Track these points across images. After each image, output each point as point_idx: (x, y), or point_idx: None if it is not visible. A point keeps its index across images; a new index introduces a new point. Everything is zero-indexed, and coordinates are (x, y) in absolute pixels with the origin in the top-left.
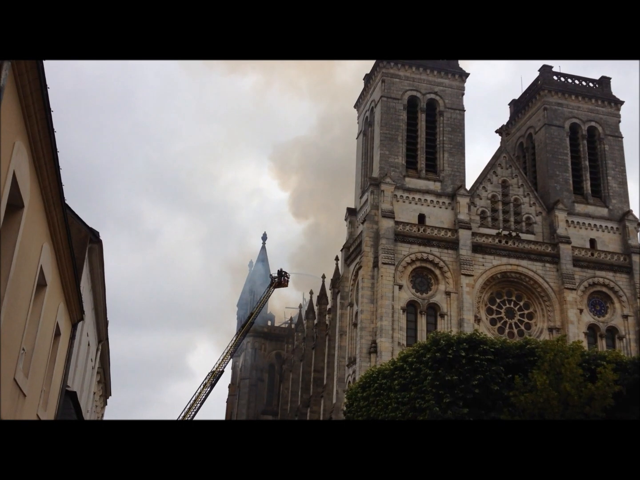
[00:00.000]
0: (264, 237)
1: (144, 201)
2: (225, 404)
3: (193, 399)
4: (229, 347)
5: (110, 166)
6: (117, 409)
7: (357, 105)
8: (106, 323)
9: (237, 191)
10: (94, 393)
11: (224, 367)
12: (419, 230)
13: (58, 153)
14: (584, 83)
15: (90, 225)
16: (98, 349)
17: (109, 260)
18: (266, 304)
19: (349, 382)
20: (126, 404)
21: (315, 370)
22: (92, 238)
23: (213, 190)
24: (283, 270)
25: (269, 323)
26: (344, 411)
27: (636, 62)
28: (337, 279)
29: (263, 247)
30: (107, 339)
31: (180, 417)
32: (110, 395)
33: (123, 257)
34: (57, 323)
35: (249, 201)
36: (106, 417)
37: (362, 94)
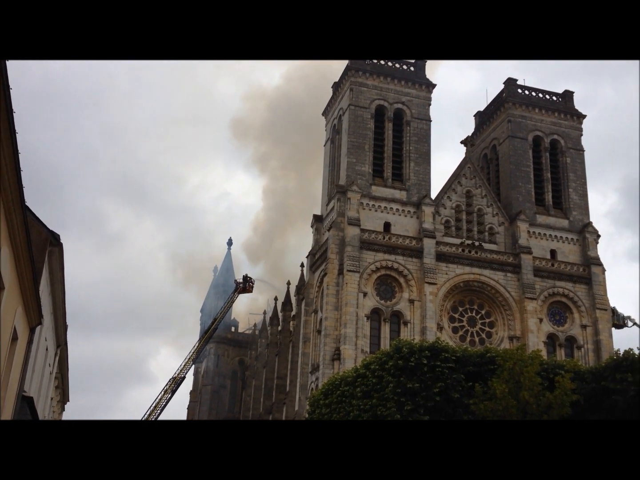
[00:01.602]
0: (230, 243)
1: (110, 203)
2: (187, 410)
3: (153, 405)
4: (191, 353)
5: (76, 167)
6: (75, 415)
7: (325, 113)
8: (65, 327)
9: (204, 195)
10: (52, 398)
11: (186, 373)
12: (384, 238)
13: (20, 154)
14: (547, 96)
15: (52, 227)
16: (56, 354)
17: (71, 264)
18: (230, 309)
19: (312, 389)
20: (85, 410)
21: (278, 377)
22: (53, 241)
23: (180, 194)
24: (248, 276)
25: (233, 329)
26: (306, 418)
27: (598, 76)
28: (302, 286)
29: (228, 253)
30: (66, 343)
31: None
32: (69, 400)
33: (86, 260)
34: (15, 327)
35: (216, 205)
36: None
37: (330, 101)
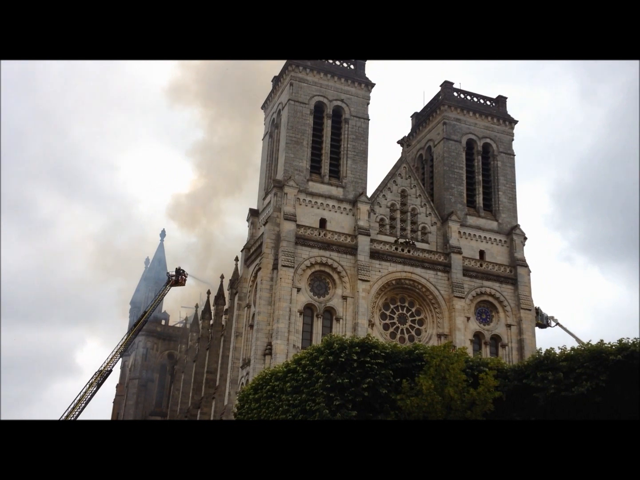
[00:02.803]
0: (163, 234)
1: (39, 189)
2: (112, 404)
3: (78, 398)
4: (119, 346)
5: (4, 151)
6: None
7: (264, 107)
8: None
9: (138, 184)
10: None
11: (113, 366)
12: (319, 234)
13: None
14: (481, 101)
15: None
16: None
17: None
18: (161, 302)
19: (242, 383)
20: (6, 402)
21: (208, 372)
22: None
23: (113, 181)
24: (181, 268)
25: (163, 322)
26: (235, 413)
27: (534, 81)
28: (235, 280)
29: (161, 244)
30: None
31: (63, 417)
32: None
33: (12, 246)
34: None
35: (150, 195)
36: None
37: (269, 95)
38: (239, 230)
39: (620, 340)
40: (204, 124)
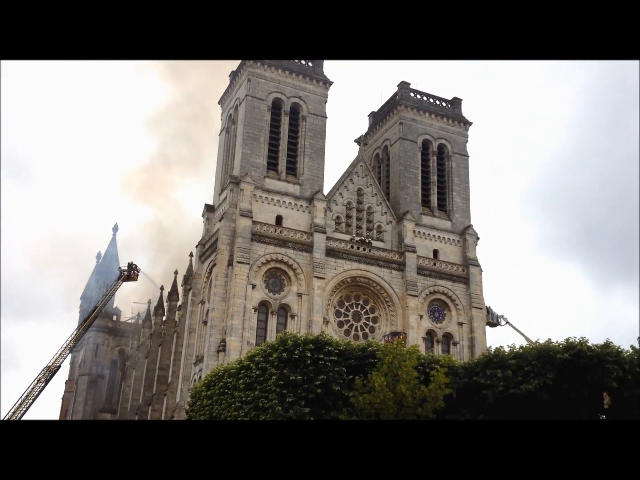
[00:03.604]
0: (115, 229)
1: None
2: (61, 400)
3: (25, 394)
4: (68, 341)
5: None
6: None
7: (221, 102)
8: None
9: (91, 174)
10: None
11: (62, 362)
12: (275, 231)
13: None
14: (437, 102)
15: None
16: None
17: None
18: (113, 297)
19: (195, 380)
20: None
21: (161, 368)
22: None
23: (64, 171)
24: (134, 263)
25: (115, 318)
26: (187, 410)
27: (487, 85)
28: (190, 276)
29: (113, 239)
30: None
31: (9, 414)
32: None
33: None
34: None
35: (103, 186)
36: None
37: (227, 90)
38: (194, 226)
39: (567, 339)
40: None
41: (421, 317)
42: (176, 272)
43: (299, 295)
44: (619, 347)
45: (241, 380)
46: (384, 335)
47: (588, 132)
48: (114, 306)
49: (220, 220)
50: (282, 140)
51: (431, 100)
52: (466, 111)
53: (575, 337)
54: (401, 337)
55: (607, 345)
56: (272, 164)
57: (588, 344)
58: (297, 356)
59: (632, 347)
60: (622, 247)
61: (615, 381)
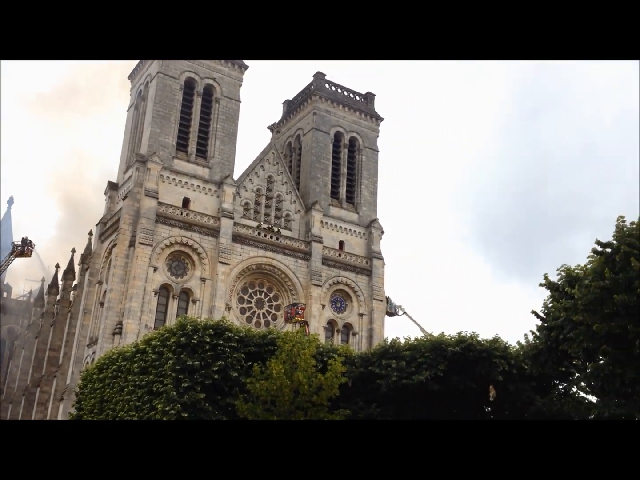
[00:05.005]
0: (10, 201)
1: None
2: None
3: None
4: None
5: None
6: None
7: (131, 77)
8: None
9: None
10: None
11: None
12: (182, 214)
13: None
14: (351, 95)
15: None
16: None
17: None
18: (4, 273)
19: (87, 363)
20: None
21: (52, 349)
22: None
23: None
24: (28, 238)
25: (5, 295)
26: (77, 392)
27: (399, 83)
28: (88, 255)
29: (8, 212)
30: None
31: None
32: None
33: None
34: None
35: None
36: None
37: (138, 65)
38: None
39: (459, 333)
40: None
41: (323, 306)
42: (73, 251)
43: (203, 280)
44: (506, 343)
45: (136, 364)
46: (285, 307)
47: (496, 134)
48: (5, 282)
49: (123, 199)
50: (193, 121)
51: (345, 93)
52: (379, 107)
53: (466, 331)
54: (299, 307)
55: (495, 340)
56: (181, 145)
57: (478, 339)
58: (195, 341)
59: (519, 342)
60: (520, 245)
61: (501, 375)
